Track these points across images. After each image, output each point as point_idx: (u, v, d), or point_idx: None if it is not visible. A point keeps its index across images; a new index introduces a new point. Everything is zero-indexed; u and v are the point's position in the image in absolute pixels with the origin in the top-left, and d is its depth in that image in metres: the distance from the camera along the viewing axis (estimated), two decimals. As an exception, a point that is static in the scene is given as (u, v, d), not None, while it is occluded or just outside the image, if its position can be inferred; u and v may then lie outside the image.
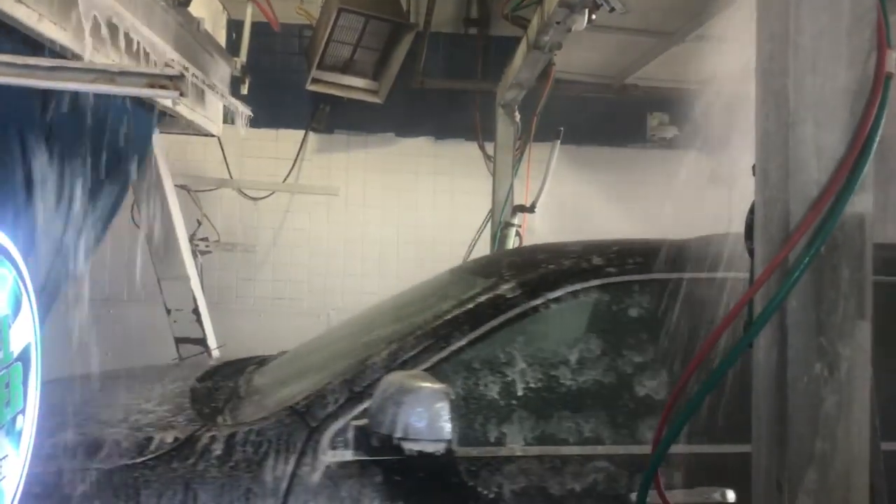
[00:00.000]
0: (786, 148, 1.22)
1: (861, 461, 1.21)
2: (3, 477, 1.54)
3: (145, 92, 1.54)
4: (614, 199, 6.03)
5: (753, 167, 1.36)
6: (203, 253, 5.21)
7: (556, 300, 2.30)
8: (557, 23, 3.35)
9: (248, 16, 4.49)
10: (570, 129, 4.75)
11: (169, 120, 3.85)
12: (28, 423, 1.66)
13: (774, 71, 1.24)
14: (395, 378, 2.00)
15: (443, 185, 5.95)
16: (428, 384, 1.97)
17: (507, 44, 4.84)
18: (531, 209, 4.71)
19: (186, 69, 3.11)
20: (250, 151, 5.71)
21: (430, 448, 1.96)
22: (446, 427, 1.95)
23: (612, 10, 3.21)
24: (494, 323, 2.25)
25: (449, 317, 2.30)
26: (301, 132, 5.84)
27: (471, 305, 2.32)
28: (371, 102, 5.45)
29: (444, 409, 1.95)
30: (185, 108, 3.82)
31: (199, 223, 5.37)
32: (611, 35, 4.38)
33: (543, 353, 2.27)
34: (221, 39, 4.59)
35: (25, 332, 1.64)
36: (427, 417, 1.94)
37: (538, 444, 2.14)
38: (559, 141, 4.56)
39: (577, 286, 2.32)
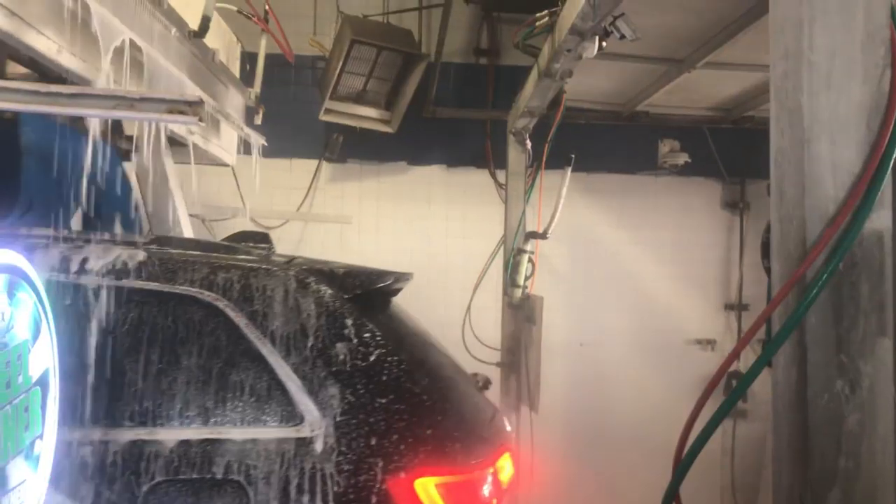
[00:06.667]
0: (801, 165, 1.22)
1: (886, 478, 1.19)
2: (22, 502, 1.54)
3: (165, 118, 1.57)
4: (625, 225, 6.05)
5: (768, 187, 1.36)
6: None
7: None
8: (568, 50, 3.38)
9: (262, 47, 4.55)
10: (581, 157, 4.77)
11: (184, 150, 3.88)
12: (47, 448, 1.66)
13: (789, 88, 1.25)
14: None
15: (455, 212, 5.97)
16: None
17: (517, 73, 4.88)
18: (543, 235, 4.72)
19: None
20: (264, 181, 5.72)
21: None
22: None
23: (623, 37, 3.24)
24: None
25: None
26: (314, 161, 5.87)
27: None
28: (383, 132, 5.49)
29: None
30: (199, 139, 3.86)
31: (214, 253, 5.38)
32: (621, 63, 4.41)
33: None
34: (236, 70, 4.65)
35: (44, 357, 1.65)
36: None
37: None
38: (570, 168, 4.58)
39: None
